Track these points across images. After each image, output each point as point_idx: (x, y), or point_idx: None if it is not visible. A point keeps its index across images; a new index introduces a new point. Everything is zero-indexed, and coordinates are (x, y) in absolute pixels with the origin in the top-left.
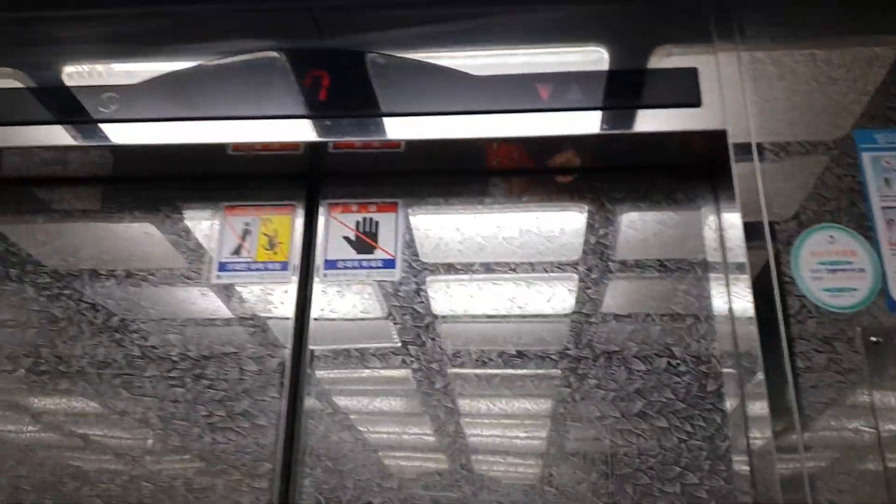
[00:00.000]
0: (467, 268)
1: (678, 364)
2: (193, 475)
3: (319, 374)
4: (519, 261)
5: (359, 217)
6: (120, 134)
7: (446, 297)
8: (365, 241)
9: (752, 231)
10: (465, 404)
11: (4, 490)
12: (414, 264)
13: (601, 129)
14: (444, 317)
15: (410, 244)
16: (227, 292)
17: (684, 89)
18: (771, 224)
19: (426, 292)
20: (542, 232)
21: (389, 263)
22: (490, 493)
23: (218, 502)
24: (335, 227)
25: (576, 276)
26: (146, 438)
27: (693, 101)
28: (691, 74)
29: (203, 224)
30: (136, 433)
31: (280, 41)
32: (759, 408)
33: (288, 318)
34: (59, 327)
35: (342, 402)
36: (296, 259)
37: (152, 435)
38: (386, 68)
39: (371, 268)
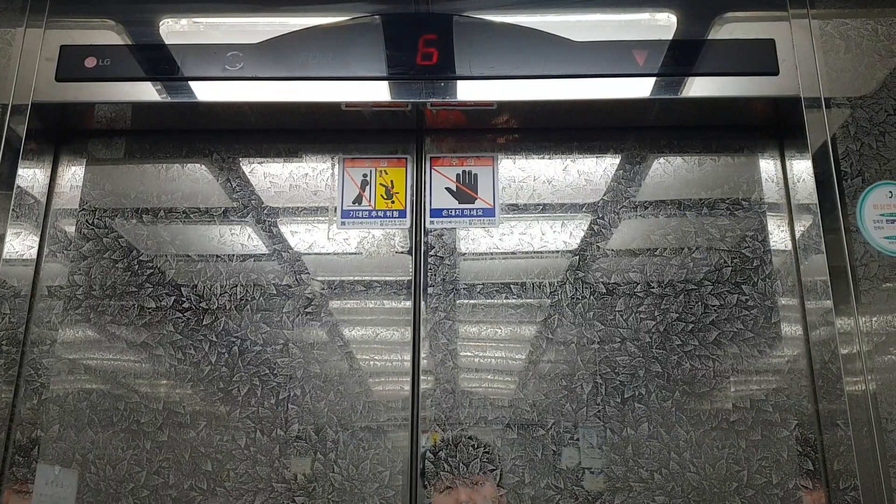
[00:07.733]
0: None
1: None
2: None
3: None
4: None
5: (459, 170)
6: (246, 91)
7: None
8: (465, 191)
9: (821, 186)
10: (572, 330)
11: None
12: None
13: (689, 94)
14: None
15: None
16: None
17: (763, 59)
18: (838, 180)
19: (527, 235)
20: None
21: (489, 212)
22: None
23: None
24: (438, 178)
25: (659, 216)
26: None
27: (772, 69)
28: (770, 45)
29: (325, 174)
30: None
31: (389, 5)
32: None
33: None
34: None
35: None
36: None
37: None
38: (494, 33)
39: (473, 216)
